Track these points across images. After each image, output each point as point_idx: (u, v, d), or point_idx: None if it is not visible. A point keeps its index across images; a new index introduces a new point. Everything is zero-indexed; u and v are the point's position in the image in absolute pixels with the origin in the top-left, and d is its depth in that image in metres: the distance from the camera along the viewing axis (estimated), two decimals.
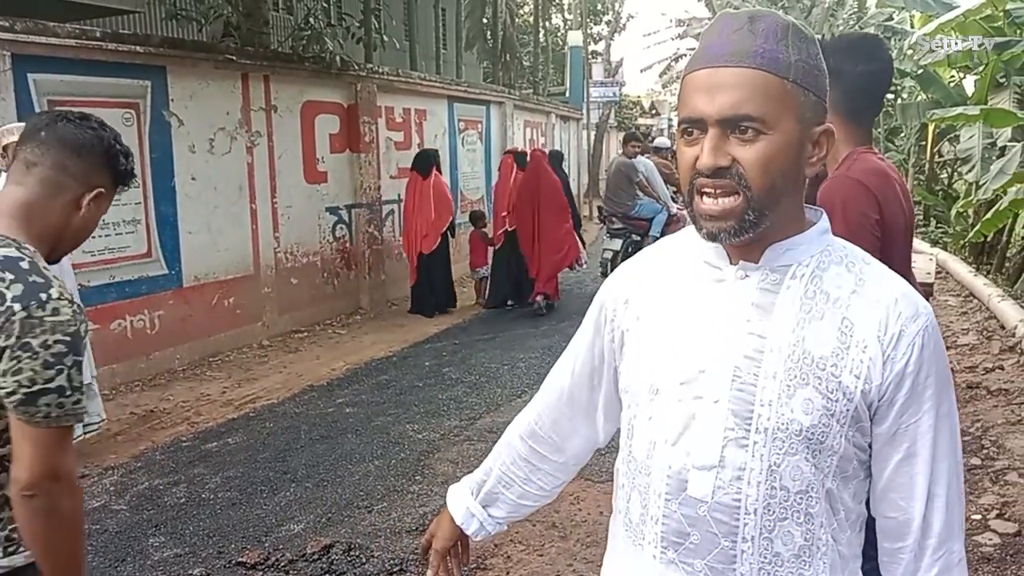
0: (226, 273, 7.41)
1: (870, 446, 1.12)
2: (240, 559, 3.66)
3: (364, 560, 3.62)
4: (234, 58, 7.39)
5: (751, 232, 1.10)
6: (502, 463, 1.48)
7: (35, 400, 1.47)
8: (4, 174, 4.76)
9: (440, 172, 9.30)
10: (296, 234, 8.33)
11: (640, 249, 7.85)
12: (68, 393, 1.50)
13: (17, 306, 1.46)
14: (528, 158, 9.52)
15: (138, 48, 6.44)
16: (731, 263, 1.15)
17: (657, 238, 9.77)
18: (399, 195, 10.03)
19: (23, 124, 5.73)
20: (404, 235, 9.35)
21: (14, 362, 1.46)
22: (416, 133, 10.56)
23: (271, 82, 7.93)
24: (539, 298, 8.93)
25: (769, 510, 1.10)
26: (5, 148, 5.16)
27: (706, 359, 1.13)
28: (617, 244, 9.71)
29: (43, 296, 1.49)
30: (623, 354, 1.26)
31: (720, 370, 1.12)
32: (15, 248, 1.53)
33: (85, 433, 5.74)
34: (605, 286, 1.34)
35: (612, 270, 7.36)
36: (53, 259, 1.69)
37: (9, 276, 1.48)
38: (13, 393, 1.46)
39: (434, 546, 1.51)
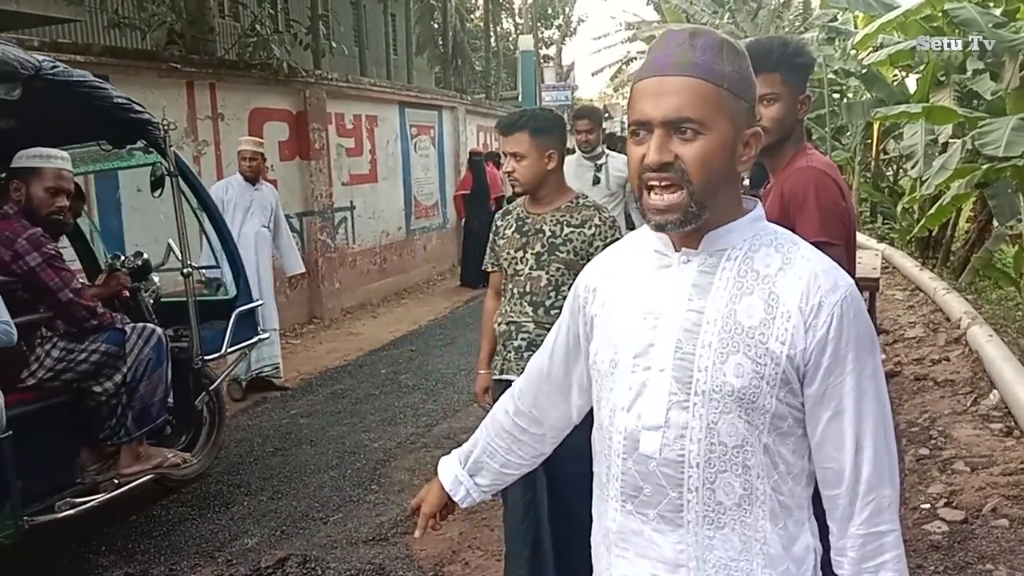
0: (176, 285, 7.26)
1: (803, 406, 1.26)
2: None
3: (320, 572, 3.57)
4: (179, 66, 7.27)
5: (694, 223, 1.24)
6: (487, 435, 1.65)
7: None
8: (253, 185, 6.13)
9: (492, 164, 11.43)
10: None
11: None
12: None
13: None
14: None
15: (78, 57, 6.29)
16: (676, 250, 1.30)
17: None
18: (351, 202, 9.99)
19: (255, 138, 6.14)
20: None
21: None
22: (367, 139, 10.48)
23: (217, 90, 7.81)
24: None
25: (710, 463, 1.25)
26: (240, 153, 6.23)
27: (654, 335, 1.29)
28: None
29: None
30: (592, 336, 1.41)
31: (665, 343, 1.27)
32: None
33: (261, 373, 6.29)
34: (580, 276, 1.50)
35: None
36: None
37: None
38: None
39: (423, 510, 1.69)
